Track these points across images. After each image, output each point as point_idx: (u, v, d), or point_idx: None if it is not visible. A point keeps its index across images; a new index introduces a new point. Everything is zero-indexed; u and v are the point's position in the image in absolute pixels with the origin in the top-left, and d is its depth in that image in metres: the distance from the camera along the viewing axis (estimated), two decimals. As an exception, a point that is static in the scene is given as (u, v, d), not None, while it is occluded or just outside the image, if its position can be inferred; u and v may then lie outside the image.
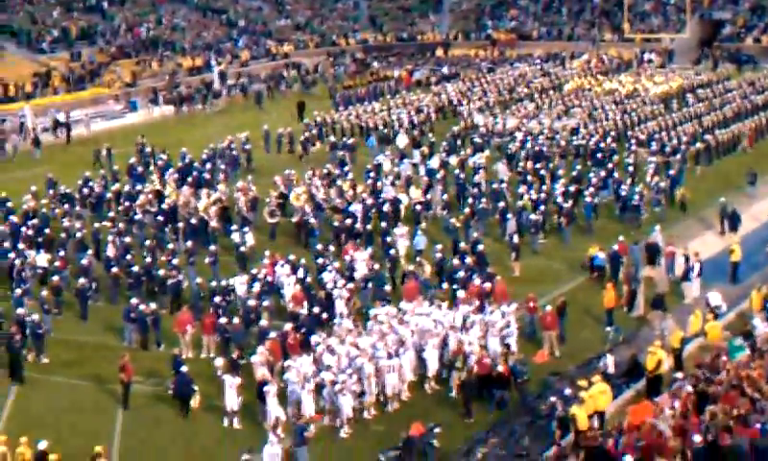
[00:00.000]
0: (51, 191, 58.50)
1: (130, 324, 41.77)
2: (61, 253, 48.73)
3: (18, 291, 44.19)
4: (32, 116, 79.24)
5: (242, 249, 48.56)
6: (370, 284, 43.54)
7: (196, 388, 36.28)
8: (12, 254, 47.96)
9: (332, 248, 47.80)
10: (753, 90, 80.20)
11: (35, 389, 38.72)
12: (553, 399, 32.95)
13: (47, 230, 51.83)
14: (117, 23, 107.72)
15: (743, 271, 45.27)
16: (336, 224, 51.17)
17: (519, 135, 67.90)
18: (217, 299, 41.69)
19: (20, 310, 41.93)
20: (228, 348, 38.87)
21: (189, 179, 59.57)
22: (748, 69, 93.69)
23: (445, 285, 42.84)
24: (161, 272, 45.60)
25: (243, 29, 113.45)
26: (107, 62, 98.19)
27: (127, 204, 55.57)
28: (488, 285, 41.87)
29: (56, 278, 45.60)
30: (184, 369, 36.74)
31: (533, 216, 51.05)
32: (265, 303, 41.74)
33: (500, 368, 35.32)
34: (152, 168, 63.67)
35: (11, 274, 46.99)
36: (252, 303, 41.58)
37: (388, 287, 43.27)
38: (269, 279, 43.99)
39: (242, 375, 35.69)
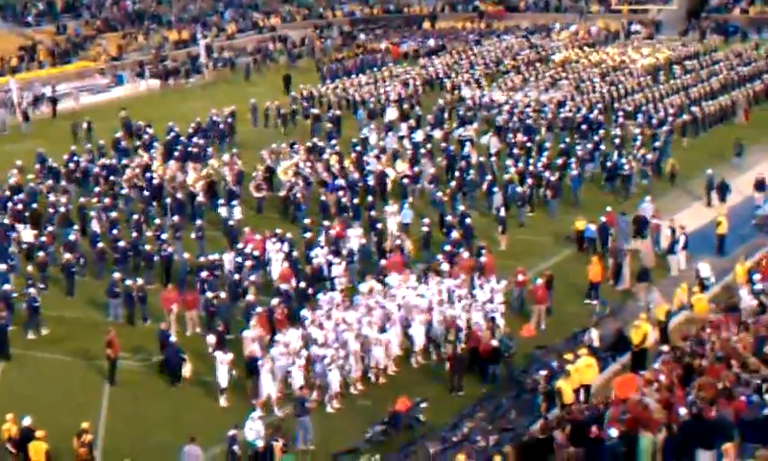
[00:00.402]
0: (38, 166, 58.27)
1: (113, 299, 41.66)
2: (49, 228, 48.60)
3: (4, 267, 44.04)
4: (17, 90, 78.89)
5: (230, 223, 48.45)
6: (355, 259, 43.58)
7: (185, 357, 36.32)
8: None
9: (326, 222, 47.61)
10: (740, 62, 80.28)
11: (21, 365, 38.63)
12: (543, 372, 32.94)
13: (35, 205, 51.69)
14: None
15: (729, 243, 45.34)
16: (323, 198, 51.06)
17: (506, 108, 67.88)
18: (203, 274, 41.56)
19: (6, 286, 41.77)
20: (214, 322, 38.81)
21: (176, 153, 59.43)
22: (735, 40, 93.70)
23: (440, 256, 42.75)
24: (148, 247, 45.49)
25: (229, 1, 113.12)
26: (92, 36, 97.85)
27: (112, 178, 55.39)
28: (483, 259, 41.83)
29: (42, 253, 45.49)
30: (173, 339, 36.90)
31: (519, 189, 51.01)
32: (252, 278, 41.67)
33: (493, 342, 35.32)
34: (138, 142, 63.53)
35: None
36: (236, 277, 41.50)
37: (384, 261, 43.00)
38: (255, 253, 43.83)
39: (231, 350, 35.67)
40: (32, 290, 41.31)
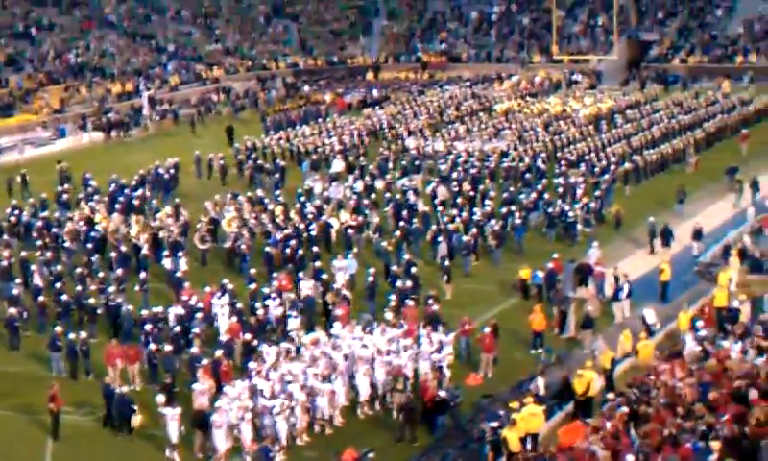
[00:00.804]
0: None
1: (55, 353, 41.17)
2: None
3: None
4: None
5: (177, 274, 48.13)
6: (298, 308, 43.40)
7: (135, 408, 35.92)
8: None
9: (275, 274, 47.35)
10: (680, 110, 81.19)
11: (-38, 422, 38.20)
12: (494, 424, 32.74)
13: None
14: (45, 49, 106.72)
15: (672, 290, 45.67)
16: (268, 249, 50.86)
17: (450, 158, 68.18)
18: (147, 326, 41.19)
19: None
20: (157, 375, 38.48)
21: (118, 205, 59.08)
22: (675, 89, 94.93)
23: (391, 305, 42.56)
24: (92, 300, 45.11)
25: (172, 54, 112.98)
26: (35, 89, 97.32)
27: (54, 231, 54.91)
28: (434, 308, 41.88)
29: (-17, 308, 45.04)
30: (123, 389, 36.62)
31: (465, 238, 51.17)
32: (196, 330, 41.32)
33: (441, 393, 35.25)
34: (81, 195, 63.08)
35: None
36: (177, 329, 41.15)
37: (340, 311, 42.38)
38: (200, 306, 43.43)
39: (178, 403, 35.33)
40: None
